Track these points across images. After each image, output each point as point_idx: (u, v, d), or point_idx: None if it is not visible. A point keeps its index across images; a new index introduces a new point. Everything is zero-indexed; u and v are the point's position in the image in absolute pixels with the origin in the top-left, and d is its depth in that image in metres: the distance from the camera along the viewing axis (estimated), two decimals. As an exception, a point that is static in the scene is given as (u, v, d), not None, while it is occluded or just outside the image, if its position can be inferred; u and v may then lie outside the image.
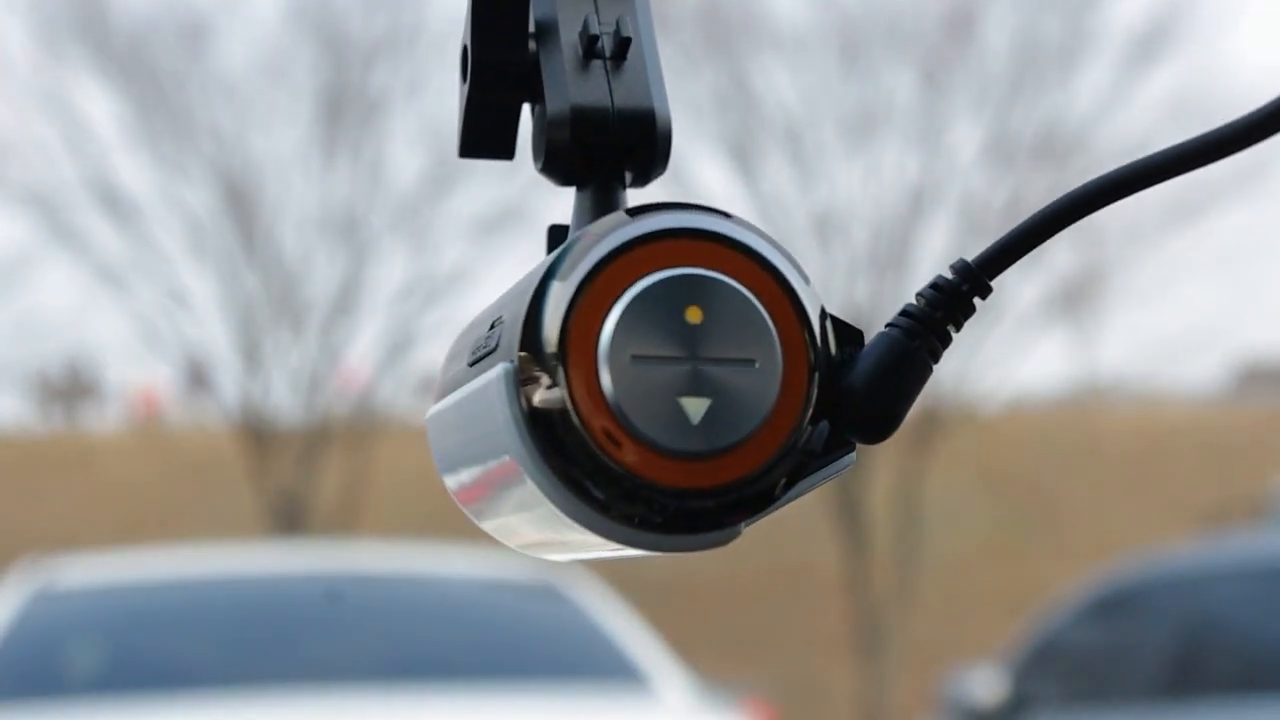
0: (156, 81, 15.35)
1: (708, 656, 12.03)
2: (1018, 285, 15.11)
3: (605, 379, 0.63)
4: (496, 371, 0.65)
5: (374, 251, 15.69)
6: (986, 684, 6.98)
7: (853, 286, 14.90)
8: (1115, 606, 6.76)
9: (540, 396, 0.64)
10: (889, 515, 15.25)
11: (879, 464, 14.78)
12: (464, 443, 0.71)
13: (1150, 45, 15.16)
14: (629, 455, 0.63)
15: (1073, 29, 15.23)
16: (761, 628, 16.97)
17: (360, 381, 15.63)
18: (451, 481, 0.75)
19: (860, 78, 15.24)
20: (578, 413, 0.63)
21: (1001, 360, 15.40)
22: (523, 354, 0.64)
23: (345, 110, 15.46)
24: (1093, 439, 21.02)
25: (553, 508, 0.65)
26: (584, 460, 0.63)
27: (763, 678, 11.29)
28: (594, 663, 4.39)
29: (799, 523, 16.41)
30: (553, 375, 0.63)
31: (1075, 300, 16.17)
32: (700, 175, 15.82)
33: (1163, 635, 6.39)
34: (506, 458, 0.66)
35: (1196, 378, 23.43)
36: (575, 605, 4.62)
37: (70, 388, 24.25)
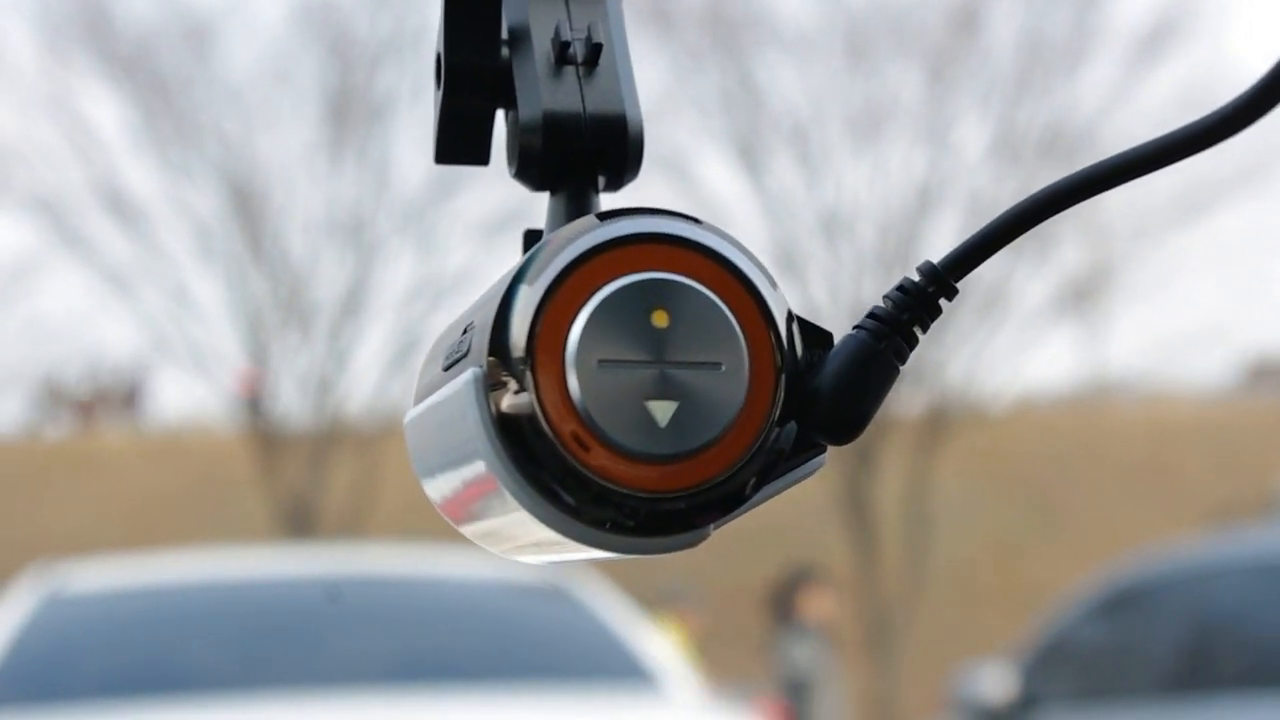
0: (162, 85, 15.37)
1: (718, 656, 12.03)
2: (1025, 284, 15.11)
3: (573, 383, 0.63)
4: (466, 377, 0.65)
5: (381, 254, 15.70)
6: (996, 681, 6.98)
7: (859, 284, 14.90)
8: (1124, 604, 6.75)
9: (509, 401, 0.64)
10: (898, 514, 15.24)
11: (888, 463, 14.78)
12: (439, 449, 0.72)
13: (1156, 42, 15.15)
14: (598, 459, 0.64)
15: (1078, 26, 15.22)
16: (771, 627, 16.94)
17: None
18: (429, 488, 0.76)
19: (866, 76, 15.23)
20: (546, 417, 0.64)
21: (1009, 359, 15.39)
22: (491, 359, 0.65)
23: (351, 113, 15.47)
24: (1100, 436, 21.00)
25: (525, 513, 0.65)
26: (554, 465, 0.64)
27: (773, 677, 11.28)
28: (603, 663, 4.39)
29: (809, 522, 16.40)
30: (521, 380, 0.64)
31: (1082, 298, 16.16)
32: (707, 174, 15.85)
33: (1171, 632, 6.38)
34: (480, 464, 0.66)
35: (1204, 375, 23.37)
36: (584, 606, 4.62)
37: (81, 393, 24.30)
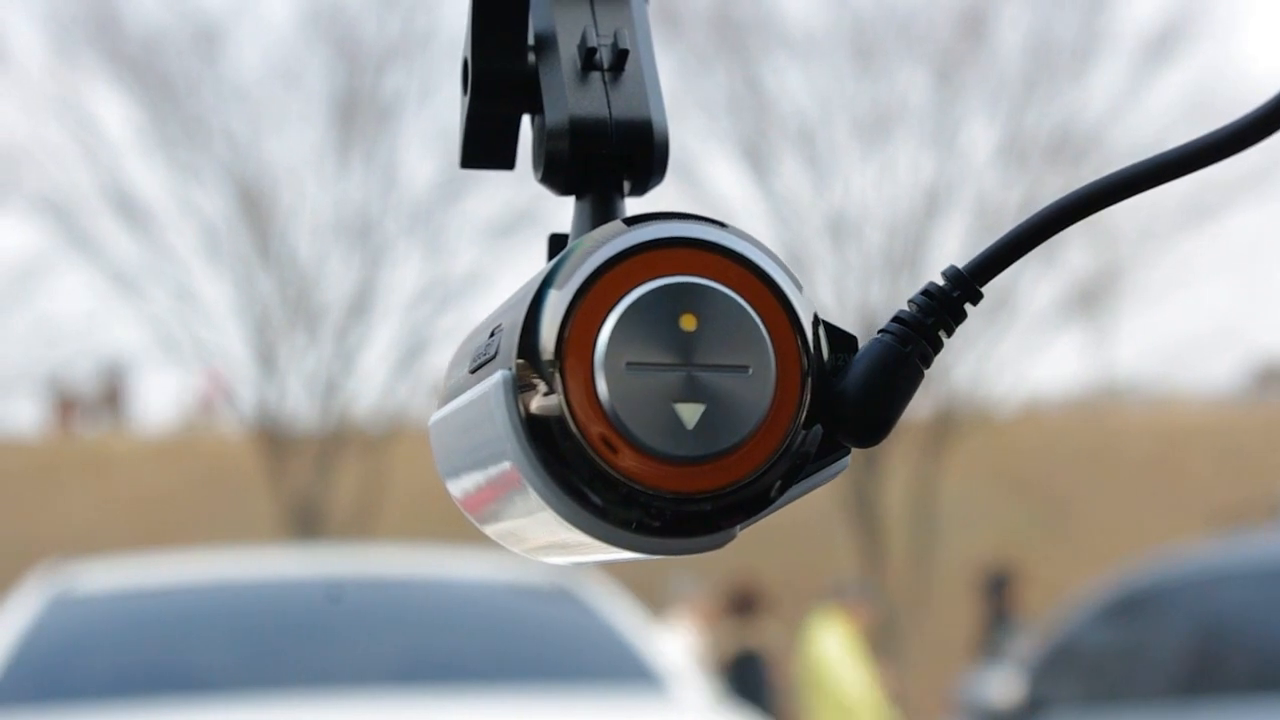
0: (170, 87, 15.38)
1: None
2: (1033, 287, 15.10)
3: (601, 386, 0.64)
4: (495, 379, 0.66)
5: (388, 255, 15.71)
6: (1003, 684, 6.98)
7: (867, 287, 14.90)
8: (1131, 607, 6.74)
9: (538, 403, 0.65)
10: (905, 517, 15.25)
11: (895, 466, 14.78)
12: (465, 449, 0.72)
13: (1164, 45, 15.15)
14: (625, 461, 0.64)
15: (1086, 29, 15.21)
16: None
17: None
18: (454, 487, 0.76)
19: (874, 78, 15.23)
20: (575, 419, 0.64)
21: (1016, 362, 15.39)
22: (520, 361, 0.65)
23: (359, 114, 15.48)
24: (1108, 440, 20.99)
25: (552, 513, 0.66)
26: (582, 466, 0.64)
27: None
28: (610, 665, 4.39)
29: (816, 525, 16.41)
30: (550, 382, 0.65)
31: (1090, 301, 16.15)
32: (714, 177, 15.84)
33: (1179, 636, 6.37)
34: (506, 464, 0.67)
35: (1212, 378, 23.37)
36: (591, 608, 4.63)
37: (92, 394, 24.33)
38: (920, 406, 14.94)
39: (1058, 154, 14.99)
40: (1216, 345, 22.28)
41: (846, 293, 14.92)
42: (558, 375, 0.64)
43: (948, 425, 15.05)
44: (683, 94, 15.00)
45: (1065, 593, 12.74)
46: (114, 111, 15.75)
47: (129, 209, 15.38)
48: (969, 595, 16.61)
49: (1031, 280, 15.00)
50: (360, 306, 15.58)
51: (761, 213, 15.13)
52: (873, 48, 15.14)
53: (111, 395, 24.40)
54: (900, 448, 14.54)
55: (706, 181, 15.15)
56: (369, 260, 15.59)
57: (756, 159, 15.16)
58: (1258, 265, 30.10)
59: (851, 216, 15.18)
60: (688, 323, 0.65)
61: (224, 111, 15.67)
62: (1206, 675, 6.15)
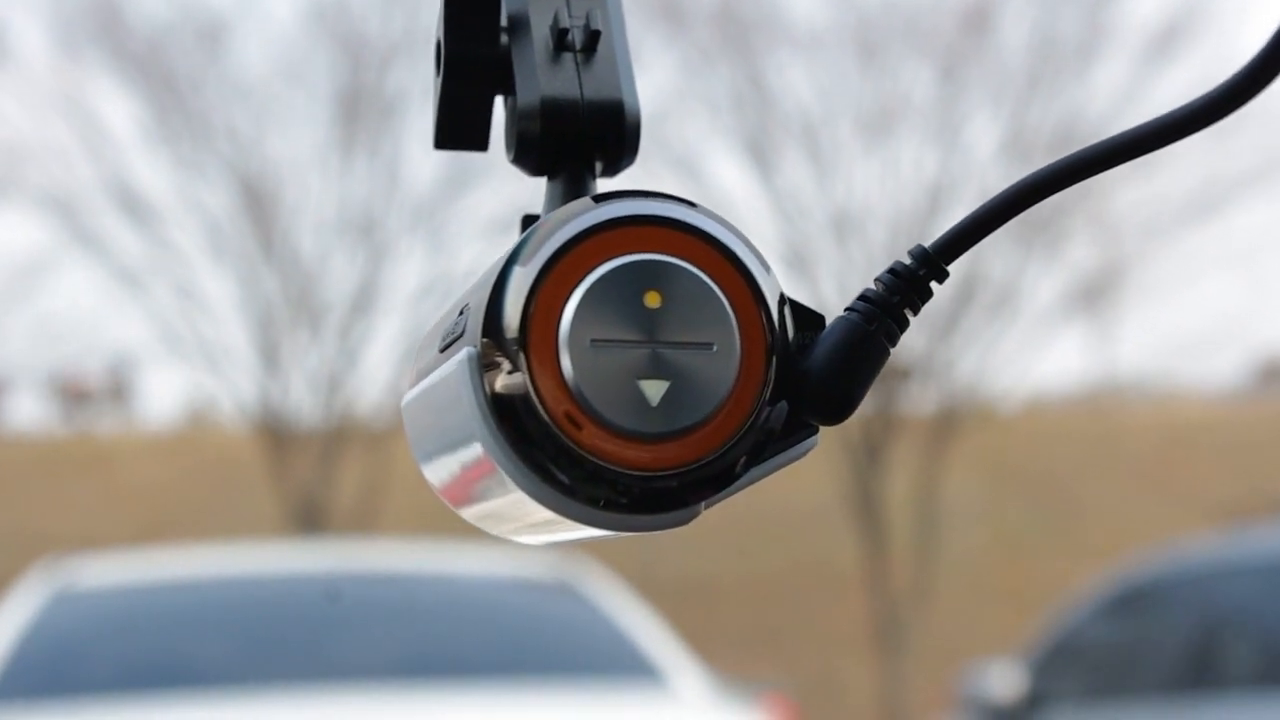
0: (174, 84, 15.39)
1: (725, 653, 12.04)
2: (1035, 281, 15.10)
3: (566, 363, 0.64)
4: (460, 357, 0.66)
5: (392, 252, 15.71)
6: (1005, 680, 6.98)
7: (870, 283, 14.88)
8: (1133, 602, 6.75)
9: (503, 381, 0.65)
10: (907, 512, 15.24)
11: (897, 462, 14.77)
12: (434, 430, 0.72)
13: (1169, 41, 15.13)
14: (590, 438, 0.64)
15: (1090, 24, 15.20)
16: (780, 625, 16.96)
17: None
18: (428, 470, 0.76)
19: (878, 74, 15.23)
20: (539, 397, 0.64)
21: (1019, 357, 15.38)
22: (485, 339, 0.65)
23: (363, 111, 15.48)
24: (1111, 436, 20.98)
25: (521, 493, 0.66)
26: (547, 444, 0.65)
27: (781, 675, 11.29)
28: (611, 660, 4.40)
29: (817, 519, 16.41)
30: (514, 360, 0.65)
31: (1093, 296, 16.14)
32: (717, 173, 15.81)
33: (1181, 631, 6.38)
34: (475, 444, 0.67)
35: (1215, 374, 23.37)
36: (592, 602, 4.63)
37: (96, 389, 24.34)
38: (923, 402, 14.94)
39: (1062, 150, 14.94)
40: (1220, 341, 22.26)
41: (850, 289, 14.90)
42: (522, 353, 0.65)
43: (950, 421, 15.04)
44: (686, 90, 15.00)
45: (1068, 587, 12.73)
46: (118, 108, 15.79)
47: (132, 205, 15.39)
48: (968, 593, 16.66)
49: (1034, 275, 15.00)
50: (363, 303, 15.58)
51: (765, 208, 15.14)
52: (876, 44, 15.13)
53: (117, 390, 24.43)
54: (903, 444, 14.54)
55: (709, 177, 15.16)
56: (372, 257, 15.60)
57: (760, 155, 15.15)
58: (1262, 261, 30.09)
59: (855, 213, 15.17)
60: (652, 300, 0.65)
61: (228, 108, 15.68)
62: (1208, 670, 6.16)
